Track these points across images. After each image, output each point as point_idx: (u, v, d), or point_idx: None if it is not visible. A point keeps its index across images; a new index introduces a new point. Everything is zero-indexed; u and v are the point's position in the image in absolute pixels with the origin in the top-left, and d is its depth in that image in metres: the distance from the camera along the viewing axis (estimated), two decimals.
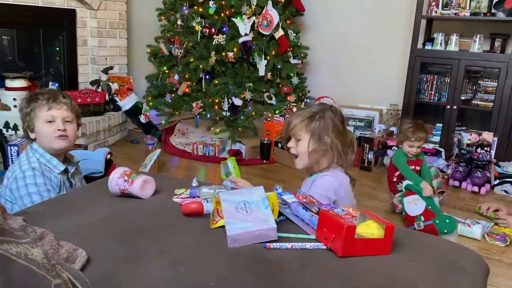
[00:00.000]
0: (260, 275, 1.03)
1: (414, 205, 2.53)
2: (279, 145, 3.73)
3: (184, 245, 1.15)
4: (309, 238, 1.20)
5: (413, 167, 2.81)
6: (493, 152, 3.43)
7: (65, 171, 1.80)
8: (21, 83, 3.21)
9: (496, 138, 3.49)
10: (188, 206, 1.29)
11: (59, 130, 1.73)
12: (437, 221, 2.46)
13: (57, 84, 3.60)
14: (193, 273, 1.03)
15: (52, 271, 0.69)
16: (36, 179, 1.66)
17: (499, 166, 3.45)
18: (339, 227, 1.10)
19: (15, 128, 3.13)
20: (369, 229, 1.15)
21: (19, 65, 3.54)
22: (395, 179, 2.91)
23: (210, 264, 1.07)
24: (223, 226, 1.18)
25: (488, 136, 3.42)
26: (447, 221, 2.47)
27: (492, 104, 3.65)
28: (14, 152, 2.65)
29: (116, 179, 1.42)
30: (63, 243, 1.01)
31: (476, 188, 3.25)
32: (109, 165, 2.46)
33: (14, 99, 3.13)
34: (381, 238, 1.13)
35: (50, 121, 1.72)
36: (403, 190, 2.70)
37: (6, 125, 3.09)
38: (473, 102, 3.83)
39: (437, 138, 3.82)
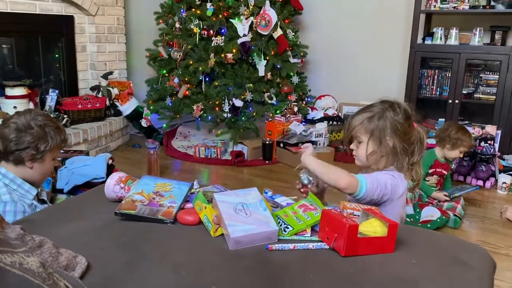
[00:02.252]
0: (263, 277, 1.02)
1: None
2: (281, 145, 3.72)
3: (185, 248, 1.14)
4: (312, 238, 1.19)
5: (440, 169, 2.84)
6: (497, 146, 3.40)
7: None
8: (21, 91, 3.21)
9: (499, 131, 3.46)
10: (185, 218, 1.28)
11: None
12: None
13: (57, 91, 3.60)
14: (194, 276, 1.01)
15: (49, 279, 0.68)
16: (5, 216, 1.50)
17: (503, 159, 3.43)
18: (342, 227, 1.08)
19: None
20: (372, 228, 1.14)
21: (19, 73, 3.54)
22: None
23: (212, 267, 1.06)
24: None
25: (491, 129, 3.39)
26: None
27: (494, 97, 3.63)
28: None
29: (112, 186, 1.41)
30: (63, 251, 1.01)
31: (480, 182, 3.22)
32: (110, 171, 2.45)
33: (15, 107, 3.13)
34: (384, 236, 1.12)
35: (53, 159, 1.71)
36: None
37: None
38: (475, 95, 3.80)
39: None
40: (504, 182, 3.13)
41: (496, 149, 3.35)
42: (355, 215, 1.21)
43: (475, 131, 3.41)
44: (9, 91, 3.16)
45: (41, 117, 1.65)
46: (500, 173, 3.26)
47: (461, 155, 2.84)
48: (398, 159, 1.46)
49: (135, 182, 1.41)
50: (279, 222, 1.23)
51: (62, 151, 1.78)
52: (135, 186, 1.37)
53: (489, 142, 3.33)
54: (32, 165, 1.63)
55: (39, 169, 1.66)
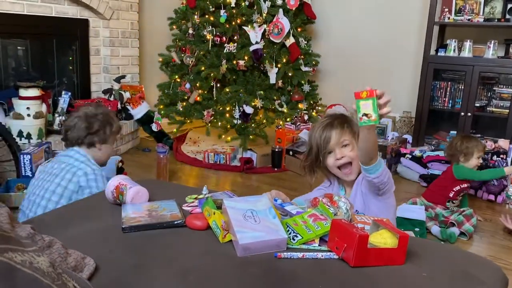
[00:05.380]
0: (271, 285, 1.01)
1: None
2: (291, 153, 3.71)
3: (193, 253, 1.13)
4: (321, 248, 1.18)
5: (465, 185, 2.81)
6: (509, 160, 3.36)
7: None
8: (34, 92, 3.24)
9: None
10: (193, 223, 1.27)
11: None
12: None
13: (69, 93, 3.63)
14: (202, 282, 1.01)
15: (58, 280, 0.68)
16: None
17: None
18: (352, 237, 1.07)
19: (29, 136, 3.16)
20: (382, 239, 1.12)
21: (33, 74, 3.58)
22: (451, 194, 2.79)
23: (220, 273, 1.05)
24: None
25: (504, 143, 3.35)
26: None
27: (507, 111, 3.59)
28: (27, 160, 2.67)
29: (110, 194, 1.42)
30: (71, 252, 1.01)
31: (492, 197, 3.18)
32: (120, 173, 2.46)
33: (28, 108, 3.16)
34: (394, 248, 1.10)
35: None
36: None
37: (20, 134, 3.12)
38: (488, 109, 3.76)
39: None
40: None
41: (509, 163, 3.31)
42: (366, 229, 1.20)
43: (487, 144, 3.37)
44: (22, 92, 3.20)
45: (101, 107, 2.04)
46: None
47: (480, 160, 2.80)
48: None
49: (122, 205, 1.38)
50: (288, 231, 1.22)
51: None
52: (124, 211, 1.34)
53: (501, 156, 3.29)
54: (101, 147, 1.95)
55: (106, 150, 1.99)
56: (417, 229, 2.51)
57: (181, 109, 3.99)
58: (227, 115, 3.79)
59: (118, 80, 4.05)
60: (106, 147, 1.99)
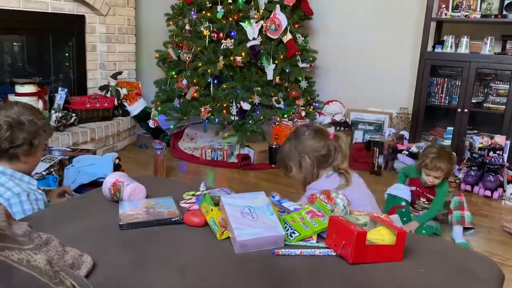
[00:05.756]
0: (269, 281, 1.01)
1: None
2: None
3: (191, 250, 1.13)
4: (318, 245, 1.18)
5: (425, 193, 2.58)
6: (505, 156, 3.37)
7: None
8: (30, 88, 3.22)
9: (508, 142, 3.43)
10: (191, 220, 1.27)
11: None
12: None
13: (66, 90, 3.61)
14: (200, 278, 1.01)
15: (55, 278, 0.68)
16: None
17: None
18: (350, 234, 1.07)
19: None
20: (380, 235, 1.13)
21: (29, 70, 3.56)
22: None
23: (218, 270, 1.05)
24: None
25: (500, 139, 3.36)
26: None
27: (504, 107, 3.59)
28: None
29: (107, 191, 1.42)
30: (69, 249, 1.00)
31: (488, 193, 3.19)
32: (117, 170, 2.45)
33: None
34: (392, 245, 1.10)
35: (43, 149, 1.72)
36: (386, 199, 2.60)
37: None
38: (484, 105, 3.77)
39: (448, 142, 3.77)
40: None
41: (505, 160, 3.32)
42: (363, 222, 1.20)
43: (483, 140, 3.39)
44: (18, 89, 3.18)
45: (28, 110, 1.60)
46: (508, 183, 3.22)
47: (436, 181, 2.48)
48: (326, 165, 1.74)
49: (120, 203, 1.37)
50: (285, 227, 1.22)
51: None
52: (121, 208, 1.34)
53: (497, 152, 3.29)
54: (26, 159, 1.62)
55: (32, 161, 1.66)
56: (403, 203, 2.51)
57: (178, 106, 3.98)
58: (224, 111, 3.78)
59: (114, 76, 4.03)
60: (33, 159, 1.66)
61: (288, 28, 3.80)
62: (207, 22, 3.86)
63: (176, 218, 1.27)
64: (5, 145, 1.54)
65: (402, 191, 2.59)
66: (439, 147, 2.59)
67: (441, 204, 2.53)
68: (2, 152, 1.56)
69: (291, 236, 1.19)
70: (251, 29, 3.75)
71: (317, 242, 1.19)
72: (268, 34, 3.78)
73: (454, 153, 2.67)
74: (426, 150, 2.59)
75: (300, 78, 3.94)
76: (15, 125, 1.54)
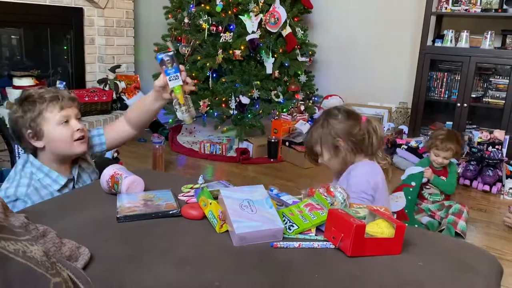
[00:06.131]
0: (267, 274, 1.00)
1: (395, 202, 2.47)
2: (287, 143, 3.70)
3: (189, 243, 1.13)
4: (317, 237, 1.18)
5: (439, 176, 2.66)
6: (504, 151, 3.37)
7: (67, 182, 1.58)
8: (28, 81, 3.21)
9: (507, 136, 3.43)
10: (189, 213, 1.26)
11: (78, 130, 1.52)
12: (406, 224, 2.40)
13: (64, 83, 3.60)
14: (198, 271, 1.00)
15: (52, 269, 0.67)
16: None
17: (510, 165, 3.39)
18: (348, 226, 1.07)
19: None
20: (379, 228, 1.12)
21: (27, 63, 3.55)
22: None
23: (216, 262, 1.05)
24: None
25: (499, 134, 3.36)
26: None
27: (503, 101, 3.59)
28: (21, 150, 2.65)
29: (105, 184, 1.41)
30: (66, 241, 1.00)
31: (487, 187, 3.19)
32: (116, 163, 2.44)
33: None
34: (391, 238, 1.10)
35: (65, 122, 1.50)
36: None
37: None
38: (484, 99, 3.77)
39: None
40: (511, 188, 3.10)
41: (504, 154, 3.33)
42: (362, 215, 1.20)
43: (482, 135, 3.39)
44: (16, 81, 3.17)
45: (24, 95, 1.49)
46: (507, 178, 3.23)
47: (446, 162, 2.59)
48: (362, 151, 1.59)
49: (118, 195, 1.37)
50: (284, 220, 1.21)
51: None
52: (119, 201, 1.32)
53: (496, 147, 3.30)
54: (41, 144, 1.48)
55: (52, 142, 1.49)
56: (413, 183, 2.53)
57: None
58: (223, 105, 3.77)
59: (113, 69, 4.01)
60: (50, 139, 1.48)
61: (288, 22, 3.79)
62: (206, 15, 3.84)
63: (174, 211, 1.26)
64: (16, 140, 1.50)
65: (414, 169, 2.62)
66: (447, 129, 2.73)
67: (455, 179, 2.67)
68: (24, 148, 1.51)
69: (290, 229, 1.19)
70: (250, 23, 3.73)
71: (315, 235, 1.19)
72: (268, 28, 3.77)
73: (462, 133, 2.76)
74: (434, 133, 2.71)
75: (299, 72, 3.94)
76: (13, 117, 1.49)
